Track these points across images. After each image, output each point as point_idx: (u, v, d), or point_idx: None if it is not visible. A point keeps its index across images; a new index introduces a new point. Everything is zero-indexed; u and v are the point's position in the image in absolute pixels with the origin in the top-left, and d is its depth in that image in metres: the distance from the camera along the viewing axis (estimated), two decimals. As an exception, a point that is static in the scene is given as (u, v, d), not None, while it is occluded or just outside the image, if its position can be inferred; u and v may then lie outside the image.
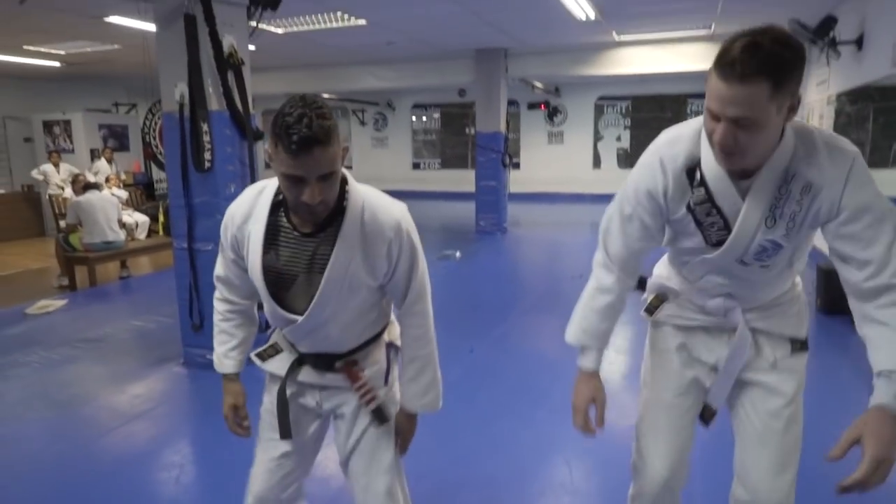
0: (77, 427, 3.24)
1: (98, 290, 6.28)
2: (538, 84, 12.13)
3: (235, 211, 1.49)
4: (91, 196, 6.28)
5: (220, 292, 1.62)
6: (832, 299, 4.80)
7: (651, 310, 1.65)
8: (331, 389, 1.59)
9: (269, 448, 1.61)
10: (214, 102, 3.65)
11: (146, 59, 6.05)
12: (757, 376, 1.53)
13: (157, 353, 4.27)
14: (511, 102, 13.49)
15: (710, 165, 1.31)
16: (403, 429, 1.64)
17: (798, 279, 1.59)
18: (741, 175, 1.30)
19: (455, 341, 4.66)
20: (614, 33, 8.06)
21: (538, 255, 8.25)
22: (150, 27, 3.75)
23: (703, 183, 1.33)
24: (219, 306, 1.63)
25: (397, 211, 1.46)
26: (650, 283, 1.67)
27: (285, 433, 1.56)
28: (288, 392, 1.58)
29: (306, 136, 1.21)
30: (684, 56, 8.84)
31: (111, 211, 6.38)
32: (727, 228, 1.36)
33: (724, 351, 1.55)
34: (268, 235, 1.41)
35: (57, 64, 9.48)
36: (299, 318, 1.43)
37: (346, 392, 1.58)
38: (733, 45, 1.13)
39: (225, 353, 1.62)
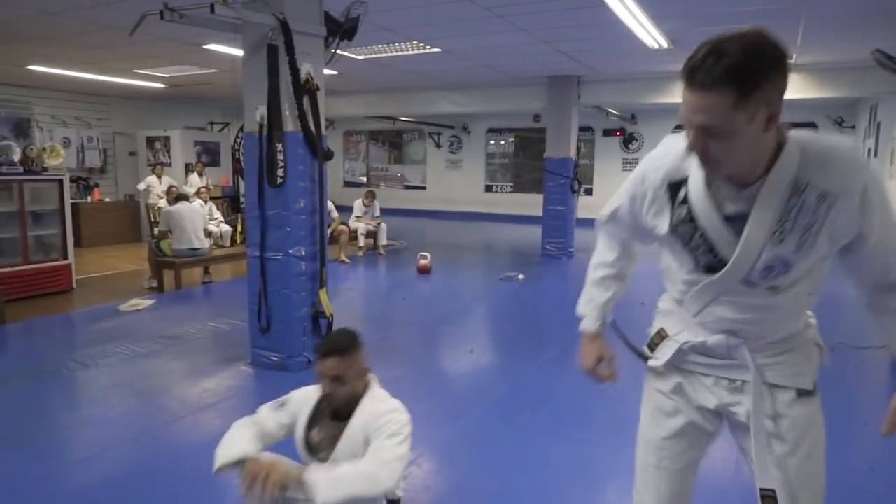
0: (153, 413, 3.58)
1: (182, 292, 6.83)
2: (613, 111, 12.10)
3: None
4: (181, 206, 6.88)
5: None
6: None
7: (652, 346, 1.56)
8: None
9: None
10: (290, 124, 3.98)
11: (236, 83, 6.61)
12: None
13: (228, 353, 4.62)
14: (585, 129, 13.53)
15: (696, 184, 1.29)
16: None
17: (813, 320, 1.47)
18: (741, 185, 1.25)
19: (505, 361, 4.77)
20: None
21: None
22: (241, 53, 4.15)
23: (686, 201, 1.31)
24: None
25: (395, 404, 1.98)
26: (655, 314, 1.60)
27: None
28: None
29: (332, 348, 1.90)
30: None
31: (198, 220, 6.95)
32: (712, 252, 1.31)
33: (724, 395, 1.43)
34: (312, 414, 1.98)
35: (161, 86, 10.41)
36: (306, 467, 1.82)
37: None
38: (698, 51, 1.11)
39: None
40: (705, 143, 1.16)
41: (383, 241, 9.72)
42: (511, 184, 15.59)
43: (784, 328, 1.38)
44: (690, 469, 1.54)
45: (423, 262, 8.01)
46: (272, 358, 4.29)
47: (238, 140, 9.70)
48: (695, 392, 1.48)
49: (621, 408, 1.75)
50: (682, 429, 1.50)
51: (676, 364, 1.50)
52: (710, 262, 1.33)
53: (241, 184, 10.87)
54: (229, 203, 10.68)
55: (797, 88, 8.63)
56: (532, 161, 15.11)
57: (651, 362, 1.54)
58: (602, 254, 1.65)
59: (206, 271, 7.45)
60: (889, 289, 1.31)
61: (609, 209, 1.56)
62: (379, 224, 9.76)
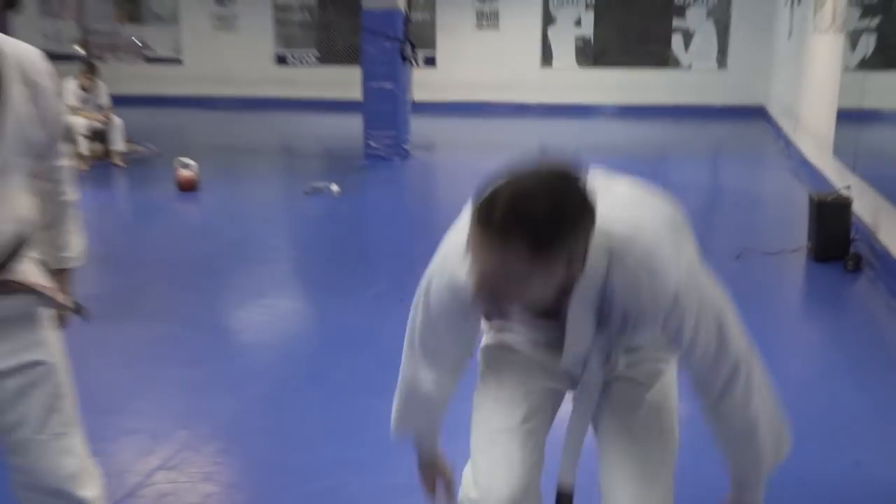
0: None
1: None
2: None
3: None
4: None
5: None
6: (826, 242, 5.49)
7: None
8: None
9: None
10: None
11: None
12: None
13: None
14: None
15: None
16: (63, 284, 2.01)
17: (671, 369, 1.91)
18: (545, 315, 1.63)
19: (314, 304, 5.06)
20: None
21: (449, 191, 8.66)
22: None
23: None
24: None
25: None
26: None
27: None
28: None
29: None
30: None
31: None
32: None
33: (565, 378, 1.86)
34: None
35: None
36: None
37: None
38: (489, 193, 1.35)
39: None
40: (491, 288, 1.43)
41: (119, 144, 9.41)
42: (315, 52, 15.56)
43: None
44: (543, 429, 1.89)
45: (184, 173, 7.93)
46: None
47: None
48: (545, 364, 1.84)
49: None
50: (533, 382, 1.86)
51: (517, 347, 1.87)
52: (551, 338, 1.71)
53: None
54: None
55: None
56: (346, 17, 15.10)
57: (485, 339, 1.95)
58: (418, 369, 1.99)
59: None
60: (719, 397, 1.69)
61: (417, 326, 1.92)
62: (109, 118, 9.41)
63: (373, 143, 9.84)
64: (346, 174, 8.77)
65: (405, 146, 9.95)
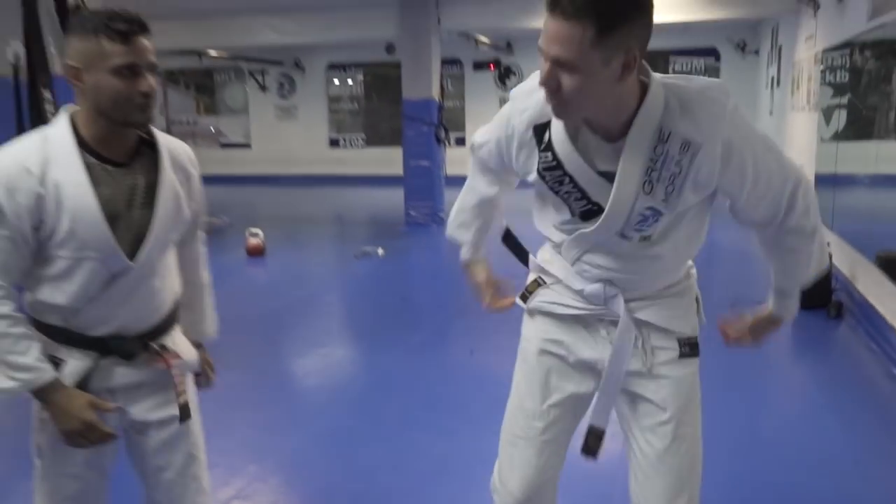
0: None
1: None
2: (483, 38, 12.66)
3: (24, 163, 1.60)
4: None
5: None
6: (810, 291, 5.40)
7: (525, 296, 1.81)
8: (135, 390, 1.81)
9: (61, 483, 1.80)
10: (59, 65, 3.94)
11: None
12: (639, 388, 1.71)
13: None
14: (453, 62, 14.03)
15: (559, 129, 1.53)
16: (204, 352, 2.02)
17: (693, 271, 1.79)
18: (608, 137, 1.51)
19: (365, 352, 5.08)
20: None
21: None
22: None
23: (550, 147, 1.55)
24: (2, 309, 1.62)
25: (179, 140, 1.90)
26: (531, 264, 1.86)
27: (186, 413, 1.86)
28: None
29: (132, 19, 1.61)
30: (659, 4, 9.49)
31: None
32: (585, 198, 1.57)
33: (604, 347, 1.71)
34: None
35: None
36: (133, 265, 1.69)
37: (152, 390, 1.83)
38: None
39: (38, 360, 1.65)
40: (556, 77, 1.39)
41: (197, 217, 9.58)
42: (363, 136, 15.82)
43: (663, 280, 1.69)
44: (562, 441, 1.82)
45: (253, 241, 8.07)
46: None
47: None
48: (573, 345, 1.74)
49: (499, 390, 2.04)
50: (556, 393, 1.77)
51: (554, 311, 1.76)
52: (584, 208, 1.59)
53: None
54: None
55: (693, 9, 9.62)
56: (390, 105, 15.41)
57: (531, 301, 1.80)
58: (474, 179, 1.97)
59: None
60: (779, 230, 1.66)
61: (478, 140, 1.88)
62: (189, 196, 9.60)
63: (413, 212, 9.96)
64: (390, 239, 8.85)
65: (440, 214, 10.02)
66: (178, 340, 1.90)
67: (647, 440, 1.70)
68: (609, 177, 1.52)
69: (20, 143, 1.67)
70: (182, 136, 1.84)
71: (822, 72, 7.01)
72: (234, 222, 10.30)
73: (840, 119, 6.40)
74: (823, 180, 6.85)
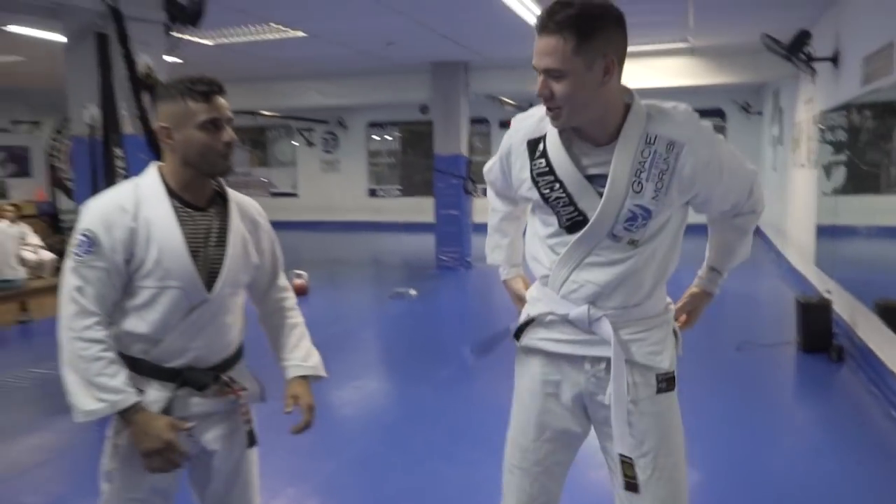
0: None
1: (-8, 335, 6.56)
2: (508, 100, 12.81)
3: (120, 203, 1.71)
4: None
5: (88, 321, 1.68)
6: (812, 336, 5.33)
7: (518, 334, 1.80)
8: (206, 420, 1.84)
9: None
10: (129, 125, 4.08)
11: (53, 72, 6.47)
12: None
13: (59, 402, 4.55)
14: (480, 120, 14.19)
15: (553, 139, 1.63)
16: (306, 397, 1.95)
17: (672, 306, 1.81)
18: (596, 142, 1.60)
19: (396, 385, 5.07)
20: (584, 46, 8.72)
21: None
22: (59, 38, 4.19)
23: (544, 155, 1.64)
24: (95, 335, 1.67)
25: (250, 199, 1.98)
26: (526, 306, 1.86)
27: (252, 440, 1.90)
28: None
29: (211, 81, 1.73)
30: (663, 70, 9.56)
31: (9, 245, 6.72)
32: (572, 204, 1.61)
33: (587, 381, 1.70)
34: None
35: (-52, 77, 9.84)
36: (209, 296, 1.76)
37: (220, 419, 1.87)
38: (549, 6, 1.50)
39: (125, 384, 1.68)
40: (549, 87, 1.52)
41: (248, 260, 9.71)
42: (399, 186, 15.99)
43: (642, 293, 1.68)
44: (556, 472, 1.80)
45: (297, 281, 8.15)
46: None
47: (55, 143, 9.36)
48: (563, 381, 1.73)
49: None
50: (549, 429, 1.76)
51: (538, 345, 1.75)
52: (572, 216, 1.63)
53: (62, 198, 10.48)
54: (48, 223, 10.23)
55: (698, 73, 9.67)
56: (422, 159, 15.58)
57: (523, 338, 1.79)
58: (492, 201, 2.04)
59: (23, 308, 7.17)
60: (735, 215, 1.84)
61: (487, 167, 1.95)
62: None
63: (443, 257, 9.99)
64: (422, 281, 8.87)
65: (468, 259, 10.06)
66: (243, 374, 1.93)
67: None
68: (595, 181, 1.61)
69: (115, 189, 1.80)
70: (237, 186, 1.90)
71: (822, 131, 6.97)
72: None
73: (839, 174, 6.34)
74: (824, 231, 6.76)
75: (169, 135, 1.73)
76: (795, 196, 8.80)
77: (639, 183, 1.57)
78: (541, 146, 1.66)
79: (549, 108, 1.56)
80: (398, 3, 6.30)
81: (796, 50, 6.38)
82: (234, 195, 1.89)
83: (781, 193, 9.94)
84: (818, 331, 5.34)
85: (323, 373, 2.03)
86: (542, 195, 1.66)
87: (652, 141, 1.57)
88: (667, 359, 1.70)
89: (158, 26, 4.32)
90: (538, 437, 1.77)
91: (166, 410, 1.76)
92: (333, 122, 15.91)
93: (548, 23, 1.48)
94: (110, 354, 1.69)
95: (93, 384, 1.66)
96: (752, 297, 7.79)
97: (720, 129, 13.62)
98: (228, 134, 1.75)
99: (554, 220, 1.67)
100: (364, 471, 3.54)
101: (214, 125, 1.73)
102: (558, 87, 1.50)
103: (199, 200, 1.80)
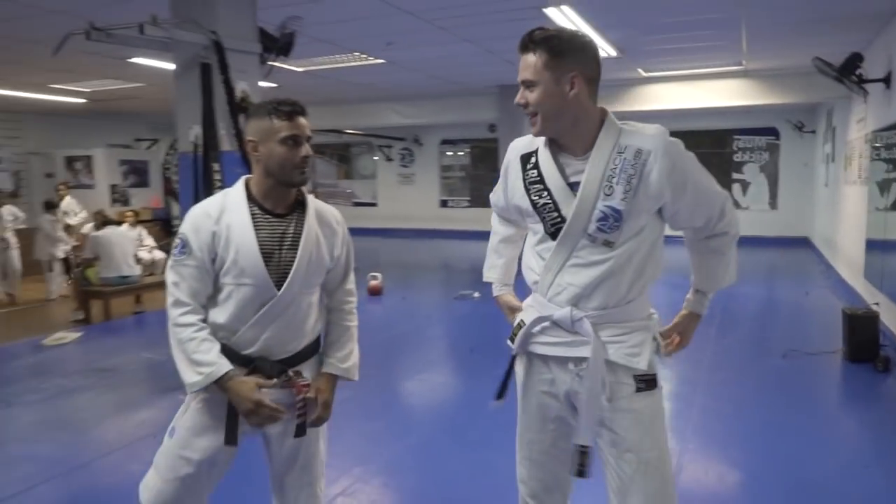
0: (85, 447, 3.77)
1: (112, 323, 6.95)
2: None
3: (207, 210, 1.84)
4: (109, 231, 7.03)
5: (182, 310, 1.82)
6: (858, 346, 5.07)
7: (513, 338, 1.82)
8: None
9: (177, 463, 1.88)
10: (226, 143, 4.27)
11: (166, 97, 6.84)
12: (604, 419, 1.69)
13: (164, 384, 4.81)
14: (543, 138, 14.08)
15: (543, 152, 1.73)
16: (326, 393, 1.94)
17: (655, 316, 1.79)
18: (575, 154, 1.68)
19: (456, 378, 5.10)
20: (640, 70, 8.58)
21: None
22: (171, 67, 4.43)
23: (536, 167, 1.73)
24: (188, 320, 1.81)
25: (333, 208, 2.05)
26: (521, 313, 1.86)
27: (231, 438, 1.85)
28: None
29: (294, 103, 1.84)
30: (717, 91, 9.29)
31: (128, 246, 7.12)
32: (557, 210, 1.67)
33: (572, 379, 1.71)
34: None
35: (81, 100, 10.50)
36: (278, 293, 1.82)
37: (282, 407, 1.86)
38: (532, 29, 1.65)
39: (217, 357, 1.79)
40: (525, 97, 1.66)
41: (330, 262, 9.95)
42: (468, 198, 16.03)
43: (619, 295, 1.68)
44: (563, 458, 1.78)
45: (373, 282, 8.31)
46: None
47: (169, 158, 9.85)
48: (555, 379, 1.75)
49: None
50: (549, 421, 1.79)
51: (530, 348, 1.78)
52: (555, 221, 1.68)
53: (174, 205, 11.00)
54: (161, 227, 10.77)
55: (752, 94, 9.35)
56: (490, 173, 15.57)
57: (515, 346, 1.82)
58: (494, 225, 2.08)
59: (138, 300, 7.57)
60: (711, 234, 1.83)
61: (493, 190, 1.99)
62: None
63: (505, 263, 9.94)
64: (485, 285, 8.82)
65: (529, 265, 9.99)
66: (314, 370, 1.98)
67: (617, 465, 1.70)
68: (575, 188, 1.67)
69: (209, 199, 1.92)
70: (324, 197, 1.98)
71: (873, 149, 6.62)
72: (360, 267, 10.59)
73: (890, 191, 6.01)
74: (874, 245, 6.42)
75: (255, 147, 1.83)
76: (846, 211, 8.38)
77: (609, 186, 1.63)
78: (533, 159, 1.75)
79: (528, 116, 1.68)
80: (467, 32, 6.37)
81: (847, 72, 6.10)
82: (314, 203, 1.95)
83: (833, 209, 9.49)
84: (864, 341, 5.07)
85: (354, 376, 2.02)
86: (531, 202, 1.73)
87: (623, 150, 1.64)
88: (644, 361, 1.69)
89: (254, 56, 4.51)
90: (542, 428, 1.81)
91: None
92: (410, 140, 16.11)
93: (527, 42, 1.64)
94: (202, 334, 1.80)
95: (192, 361, 1.78)
96: (800, 306, 7.47)
97: (774, 147, 13.11)
98: (305, 150, 1.83)
99: (541, 227, 1.73)
100: (423, 455, 3.59)
101: (294, 141, 1.81)
102: (532, 96, 1.64)
103: (279, 207, 1.88)
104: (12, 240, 8.68)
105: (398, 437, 3.83)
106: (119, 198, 11.35)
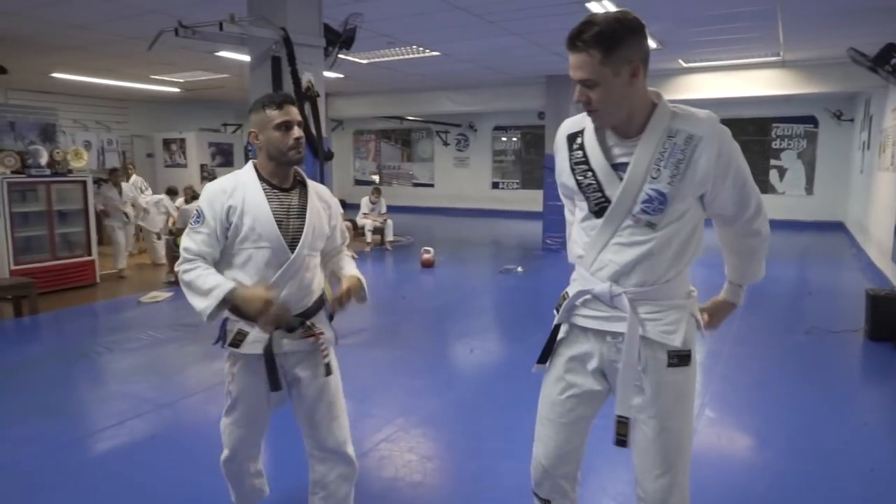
0: (173, 389, 3.98)
1: (198, 286, 7.25)
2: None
3: (222, 187, 1.94)
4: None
5: (189, 265, 1.91)
6: (879, 325, 4.83)
7: (558, 308, 1.77)
8: (292, 355, 2.01)
9: (238, 418, 2.08)
10: (293, 128, 4.34)
11: (247, 86, 7.00)
12: (637, 384, 1.63)
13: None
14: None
15: (589, 134, 1.63)
16: (357, 285, 2.07)
17: (694, 294, 1.69)
18: (626, 135, 1.57)
19: (496, 344, 5.13)
20: (680, 60, 8.25)
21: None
22: (249, 59, 4.53)
23: (582, 147, 1.63)
24: (194, 264, 1.90)
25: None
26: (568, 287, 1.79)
27: (276, 384, 1.95)
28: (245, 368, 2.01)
29: (284, 95, 1.98)
30: (755, 81, 8.85)
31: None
32: (601, 191, 1.59)
33: (609, 350, 1.65)
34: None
35: (176, 90, 10.88)
36: (292, 255, 1.93)
37: (305, 356, 2.02)
38: (578, 24, 1.47)
39: (223, 279, 1.89)
40: (586, 94, 1.53)
41: (390, 236, 10.09)
42: (518, 181, 15.87)
43: (658, 274, 1.59)
44: (580, 424, 1.76)
45: (426, 256, 8.36)
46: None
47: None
48: (589, 351, 1.69)
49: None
50: (573, 387, 1.72)
51: (572, 319, 1.73)
52: (599, 201, 1.60)
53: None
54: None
55: (790, 84, 8.87)
56: (539, 158, 15.35)
57: (559, 316, 1.76)
58: (567, 214, 1.90)
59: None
60: (745, 231, 1.70)
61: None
62: (385, 220, 10.12)
63: (548, 241, 9.85)
64: (529, 260, 8.83)
65: (570, 243, 9.86)
66: (323, 322, 2.07)
67: (642, 426, 1.64)
68: (620, 168, 1.58)
69: (223, 178, 2.01)
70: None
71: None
72: (415, 241, 10.73)
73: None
74: (904, 230, 6.06)
75: (256, 136, 1.95)
76: (878, 196, 7.91)
77: (657, 169, 1.54)
78: (579, 139, 1.66)
79: (589, 112, 1.57)
80: (514, 26, 6.26)
81: (882, 62, 5.71)
82: (311, 182, 2.07)
83: (866, 194, 8.98)
84: (886, 320, 4.82)
85: (364, 283, 2.11)
86: (577, 181, 1.65)
87: (674, 134, 1.54)
88: (679, 338, 1.61)
89: (319, 50, 4.56)
90: (563, 392, 1.74)
91: (267, 347, 1.93)
92: (465, 126, 16.01)
93: (576, 42, 1.48)
94: (202, 269, 1.90)
95: (199, 291, 1.88)
96: (829, 287, 7.13)
97: (812, 136, 12.44)
98: (297, 132, 1.92)
99: (585, 205, 1.65)
100: (461, 410, 3.63)
101: (286, 126, 1.90)
102: (593, 95, 1.52)
103: (284, 184, 1.99)
104: (132, 212, 8.47)
105: (439, 394, 3.89)
106: (207, 176, 11.73)
